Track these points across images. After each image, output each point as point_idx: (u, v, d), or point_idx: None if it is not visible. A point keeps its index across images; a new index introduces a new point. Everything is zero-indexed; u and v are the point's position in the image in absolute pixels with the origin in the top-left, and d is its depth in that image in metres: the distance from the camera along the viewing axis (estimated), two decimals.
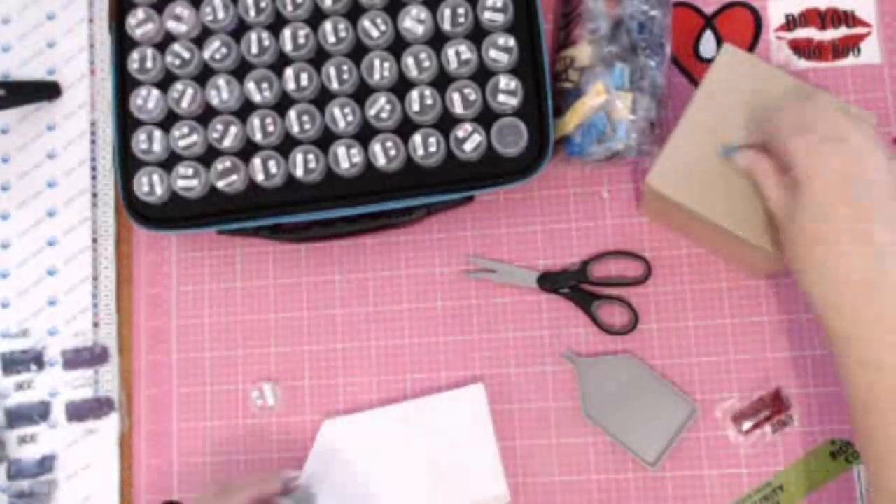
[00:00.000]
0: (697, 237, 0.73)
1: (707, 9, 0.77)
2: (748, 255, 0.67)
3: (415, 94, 0.72)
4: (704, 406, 0.71)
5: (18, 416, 0.79)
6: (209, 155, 0.75)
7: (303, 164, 0.73)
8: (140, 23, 0.76)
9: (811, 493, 0.69)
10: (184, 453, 0.77)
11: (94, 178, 0.82)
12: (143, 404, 0.79)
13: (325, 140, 0.73)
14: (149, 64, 0.75)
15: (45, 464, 0.78)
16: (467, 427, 0.72)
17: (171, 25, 0.76)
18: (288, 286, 0.78)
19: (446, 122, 0.72)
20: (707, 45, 0.77)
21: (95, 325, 0.80)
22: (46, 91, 0.83)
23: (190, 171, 0.74)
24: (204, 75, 0.75)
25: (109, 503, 0.77)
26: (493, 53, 0.71)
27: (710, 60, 0.76)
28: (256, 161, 0.73)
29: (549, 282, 0.74)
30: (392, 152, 0.72)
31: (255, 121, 0.73)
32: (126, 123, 0.76)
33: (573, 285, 0.74)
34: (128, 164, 0.76)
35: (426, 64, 0.72)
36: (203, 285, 0.79)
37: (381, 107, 0.72)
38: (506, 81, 0.71)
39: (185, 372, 0.79)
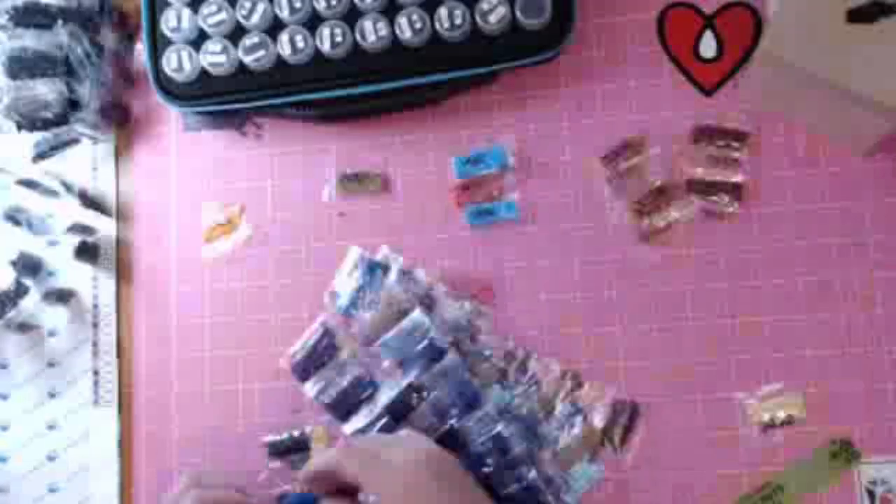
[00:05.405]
0: (807, 112, 0.70)
1: (707, 9, 0.77)
2: (867, 122, 0.64)
3: None
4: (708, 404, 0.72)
5: None
6: (237, 33, 0.77)
7: (329, 38, 0.75)
8: None
9: (811, 492, 0.69)
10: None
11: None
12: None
13: (352, 16, 0.75)
14: None
15: None
16: None
17: None
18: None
19: None
20: (707, 45, 0.76)
21: (94, 325, 0.80)
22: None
23: (218, 48, 0.76)
24: None
25: None
26: None
27: (710, 60, 0.76)
28: (284, 36, 0.75)
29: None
30: (418, 25, 0.74)
31: None
32: (155, 4, 0.78)
33: None
34: (156, 42, 0.78)
35: None
36: (202, 286, 0.80)
37: None
38: None
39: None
